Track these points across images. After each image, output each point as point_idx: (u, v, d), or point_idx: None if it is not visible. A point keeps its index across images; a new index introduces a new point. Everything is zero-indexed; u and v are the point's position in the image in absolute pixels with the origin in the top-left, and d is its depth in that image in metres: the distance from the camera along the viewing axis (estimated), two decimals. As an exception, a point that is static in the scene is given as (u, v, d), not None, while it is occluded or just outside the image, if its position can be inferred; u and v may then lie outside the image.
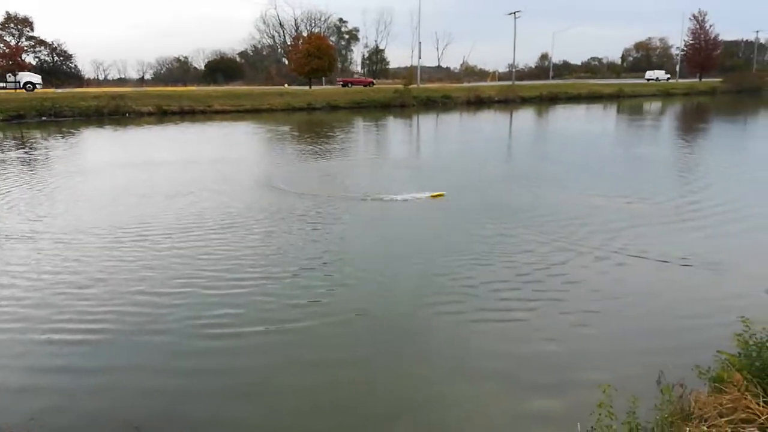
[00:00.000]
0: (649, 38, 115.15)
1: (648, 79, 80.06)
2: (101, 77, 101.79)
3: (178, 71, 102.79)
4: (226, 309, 7.03)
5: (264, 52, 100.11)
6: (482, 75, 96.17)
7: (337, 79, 71.57)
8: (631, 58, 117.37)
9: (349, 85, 62.29)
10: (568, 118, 42.37)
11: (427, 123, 39.63)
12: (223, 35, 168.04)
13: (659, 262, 8.48)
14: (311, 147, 24.03)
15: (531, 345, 6.07)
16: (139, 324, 6.71)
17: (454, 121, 40.86)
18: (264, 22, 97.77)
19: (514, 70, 73.53)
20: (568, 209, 11.82)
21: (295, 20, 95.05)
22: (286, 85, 65.36)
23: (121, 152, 24.04)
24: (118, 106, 42.53)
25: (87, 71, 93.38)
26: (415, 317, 6.81)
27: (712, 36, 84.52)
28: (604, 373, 5.23)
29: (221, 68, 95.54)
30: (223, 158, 21.07)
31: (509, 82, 69.67)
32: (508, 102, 55.27)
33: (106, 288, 7.79)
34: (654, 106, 52.81)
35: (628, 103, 56.97)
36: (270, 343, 6.24)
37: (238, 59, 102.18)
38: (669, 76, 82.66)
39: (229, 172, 17.49)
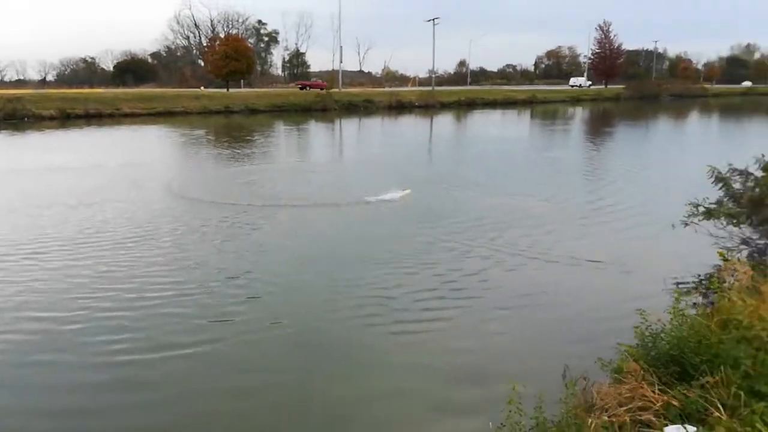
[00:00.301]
0: (559, 47, 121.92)
1: (572, 86, 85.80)
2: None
3: (84, 72, 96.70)
4: (130, 333, 6.43)
5: (178, 53, 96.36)
6: (403, 80, 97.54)
7: (297, 82, 74.07)
8: (543, 66, 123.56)
9: (307, 89, 63.25)
10: (485, 123, 43.77)
11: (349, 127, 39.60)
12: (133, 35, 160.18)
13: (571, 264, 8.78)
14: (229, 151, 23.29)
15: (449, 352, 6.06)
16: (29, 355, 5.99)
17: (376, 126, 41.10)
18: (178, 23, 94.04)
19: (433, 75, 75.13)
20: (487, 213, 12.08)
21: (212, 21, 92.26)
22: (202, 88, 63.21)
23: (18, 158, 22.19)
24: (16, 110, 39.34)
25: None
26: (334, 332, 6.59)
27: (616, 45, 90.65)
28: (517, 373, 5.22)
29: (131, 69, 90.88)
30: (132, 164, 19.95)
31: (429, 88, 71.15)
32: (428, 107, 56.36)
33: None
34: (565, 111, 55.69)
35: (541, 108, 59.74)
36: (180, 370, 5.73)
37: (150, 60, 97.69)
38: (590, 82, 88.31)
39: (138, 178, 16.55)
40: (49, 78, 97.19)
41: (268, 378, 5.61)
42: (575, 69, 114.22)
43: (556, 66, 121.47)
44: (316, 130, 37.27)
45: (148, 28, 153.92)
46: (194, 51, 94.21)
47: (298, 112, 48.38)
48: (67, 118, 40.34)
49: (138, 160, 20.82)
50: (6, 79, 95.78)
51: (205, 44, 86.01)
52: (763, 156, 8.91)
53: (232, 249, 9.58)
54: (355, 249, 9.68)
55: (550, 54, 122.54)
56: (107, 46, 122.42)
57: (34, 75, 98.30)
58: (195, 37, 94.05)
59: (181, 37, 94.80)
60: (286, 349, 6.16)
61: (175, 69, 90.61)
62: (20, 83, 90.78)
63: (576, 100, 70.18)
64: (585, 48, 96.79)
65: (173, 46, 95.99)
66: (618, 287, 7.84)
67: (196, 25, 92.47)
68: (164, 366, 5.77)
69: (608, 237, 10.38)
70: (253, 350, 6.11)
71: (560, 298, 7.49)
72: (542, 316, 6.95)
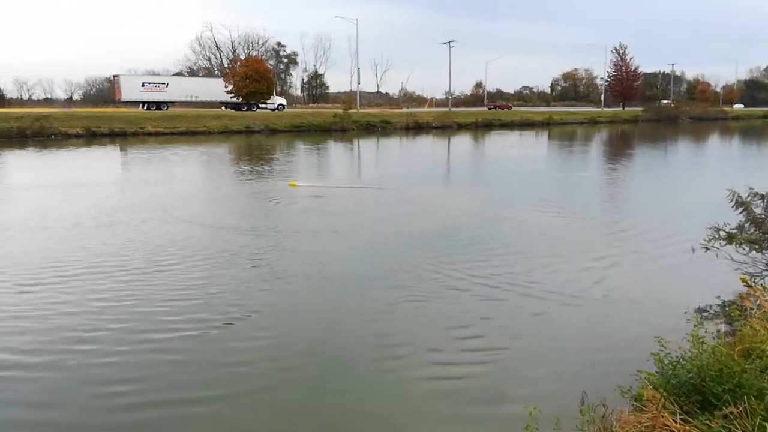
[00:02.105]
0: (576, 69, 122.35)
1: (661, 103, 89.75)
2: (25, 97, 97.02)
3: (109, 92, 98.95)
4: (141, 371, 6.05)
5: (200, 75, 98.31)
6: (420, 101, 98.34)
7: (486, 102, 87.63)
8: (559, 88, 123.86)
9: (496, 109, 76.19)
10: (504, 143, 43.86)
11: (368, 147, 39.94)
12: (156, 56, 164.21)
13: (592, 290, 8.64)
14: (250, 169, 23.61)
15: (468, 375, 5.98)
16: (24, 396, 5.60)
17: (394, 146, 41.41)
18: (199, 44, 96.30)
19: (450, 97, 75.78)
20: (511, 239, 11.87)
21: (232, 43, 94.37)
22: (223, 108, 64.33)
23: (46, 175, 22.70)
24: (43, 128, 40.43)
25: (9, 91, 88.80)
26: (354, 363, 6.39)
27: (633, 68, 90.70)
28: (536, 399, 5.11)
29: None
30: (153, 182, 20.31)
31: (446, 109, 71.63)
32: (445, 128, 56.69)
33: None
34: (583, 133, 55.55)
35: (558, 129, 59.71)
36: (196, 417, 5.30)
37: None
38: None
39: (161, 199, 16.79)
40: (75, 97, 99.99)
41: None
42: (592, 91, 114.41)
43: (572, 88, 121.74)
44: (335, 149, 37.65)
45: (170, 49, 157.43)
46: (216, 72, 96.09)
47: (317, 132, 48.98)
48: (93, 136, 41.31)
49: (160, 179, 21.21)
50: (34, 97, 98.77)
51: (226, 65, 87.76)
52: (785, 181, 8.82)
53: (256, 278, 9.27)
54: (378, 275, 9.44)
55: (566, 76, 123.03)
56: (131, 66, 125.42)
57: (60, 94, 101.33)
58: (216, 59, 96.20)
59: (202, 59, 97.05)
60: (308, 395, 5.74)
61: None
62: (48, 102, 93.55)
63: (593, 122, 70.08)
64: (601, 70, 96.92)
65: (195, 67, 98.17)
66: (638, 313, 7.71)
67: (217, 46, 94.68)
68: (173, 411, 5.42)
69: (629, 262, 10.26)
70: (276, 397, 5.70)
71: (580, 325, 7.36)
72: (562, 344, 6.82)
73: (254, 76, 58.39)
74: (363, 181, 22.21)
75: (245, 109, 60.08)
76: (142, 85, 59.65)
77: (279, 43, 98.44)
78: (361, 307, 8.00)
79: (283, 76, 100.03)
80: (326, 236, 12.20)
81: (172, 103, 61.29)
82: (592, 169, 26.42)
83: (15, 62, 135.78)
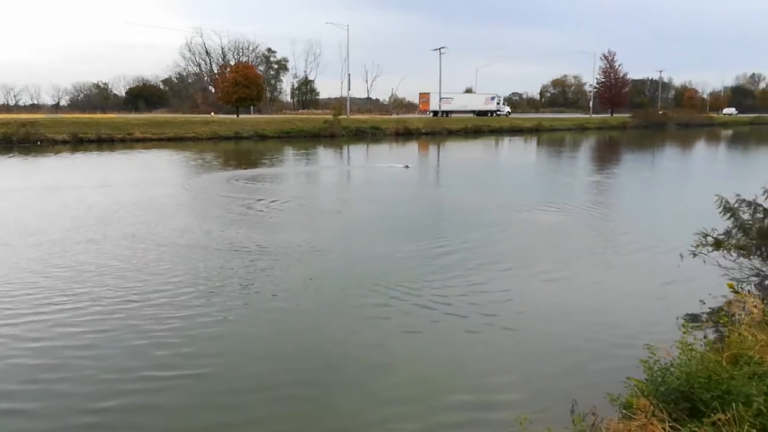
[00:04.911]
0: (565, 75, 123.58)
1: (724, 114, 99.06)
2: (11, 103, 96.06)
3: (96, 98, 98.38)
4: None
5: (189, 80, 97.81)
6: (411, 107, 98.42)
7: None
8: (549, 94, 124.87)
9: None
10: (494, 149, 44.04)
11: (357, 153, 39.90)
12: (145, 61, 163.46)
13: (580, 296, 8.71)
14: (232, 174, 23.47)
15: (456, 384, 5.96)
16: None
17: (383, 152, 41.38)
18: (189, 50, 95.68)
19: (440, 103, 75.92)
20: (489, 247, 12.06)
21: (222, 49, 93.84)
22: (212, 114, 64.03)
23: (26, 179, 22.41)
24: (29, 134, 40.03)
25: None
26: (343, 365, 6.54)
27: (621, 74, 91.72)
28: (526, 407, 5.14)
29: (143, 95, 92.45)
30: (139, 184, 20.12)
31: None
32: (435, 134, 56.91)
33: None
34: (572, 139, 55.90)
35: (547, 136, 60.10)
36: None
37: (161, 86, 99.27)
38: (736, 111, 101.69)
39: (127, 208, 16.65)
40: (63, 103, 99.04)
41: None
42: (581, 97, 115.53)
43: (561, 94, 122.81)
44: (324, 154, 37.57)
45: (160, 54, 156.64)
46: (205, 78, 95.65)
47: (306, 138, 48.90)
48: (79, 142, 40.92)
49: (149, 187, 21.01)
50: (21, 103, 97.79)
51: (216, 71, 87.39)
52: (770, 187, 8.90)
53: (225, 300, 9.39)
54: (353, 272, 9.51)
55: (555, 83, 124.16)
56: (120, 72, 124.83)
57: (48, 100, 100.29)
58: (206, 64, 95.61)
59: (192, 64, 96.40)
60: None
61: (186, 95, 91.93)
62: (34, 108, 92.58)
63: (582, 128, 70.73)
64: (591, 77, 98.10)
65: (185, 73, 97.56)
66: (627, 320, 7.70)
67: (207, 52, 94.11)
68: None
69: (616, 269, 10.26)
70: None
71: (569, 334, 7.29)
72: (552, 353, 6.75)
73: (244, 82, 58.17)
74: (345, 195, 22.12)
75: (490, 114, 77.24)
76: (440, 99, 75.80)
77: (269, 49, 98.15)
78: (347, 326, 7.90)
79: (273, 82, 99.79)
80: (312, 245, 12.12)
81: (452, 112, 75.53)
82: (579, 176, 26.56)
83: (2, 66, 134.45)
